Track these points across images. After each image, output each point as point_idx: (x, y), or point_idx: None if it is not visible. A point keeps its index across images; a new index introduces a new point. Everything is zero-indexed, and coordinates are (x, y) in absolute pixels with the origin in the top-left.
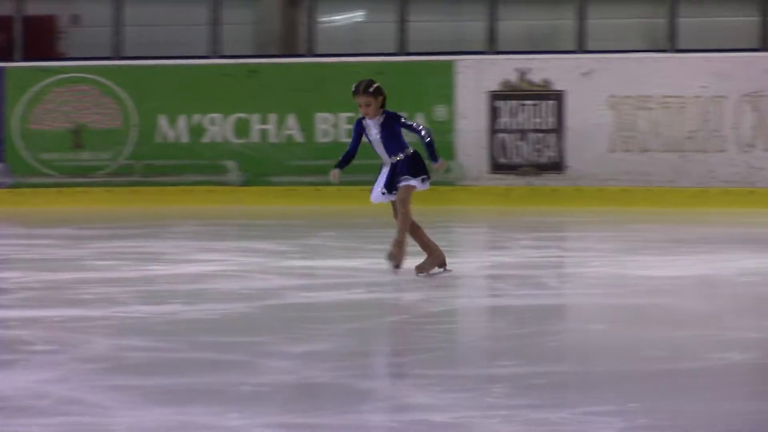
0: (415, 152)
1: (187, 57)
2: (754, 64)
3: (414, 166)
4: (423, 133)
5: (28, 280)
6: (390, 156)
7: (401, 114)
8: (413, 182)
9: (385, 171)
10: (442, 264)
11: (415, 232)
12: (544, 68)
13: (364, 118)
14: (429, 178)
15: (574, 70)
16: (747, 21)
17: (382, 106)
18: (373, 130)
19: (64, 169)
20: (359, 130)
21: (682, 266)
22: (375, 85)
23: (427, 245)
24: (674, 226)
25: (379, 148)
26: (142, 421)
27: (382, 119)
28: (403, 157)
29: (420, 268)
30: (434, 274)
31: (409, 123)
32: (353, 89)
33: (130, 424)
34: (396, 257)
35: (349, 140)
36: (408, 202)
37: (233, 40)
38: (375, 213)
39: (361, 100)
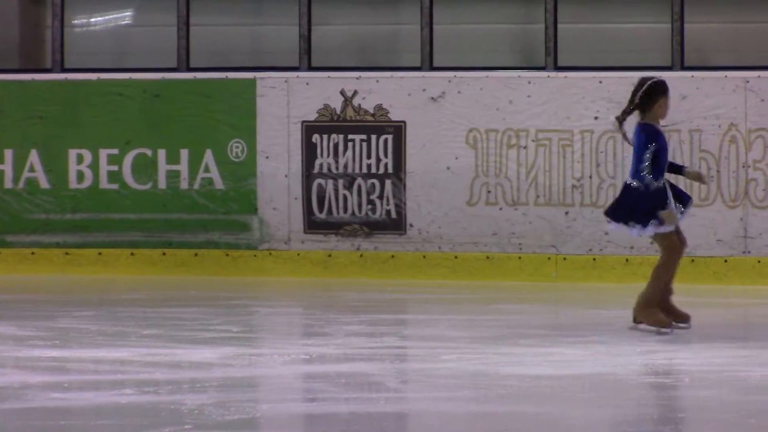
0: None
1: None
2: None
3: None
4: None
5: None
6: None
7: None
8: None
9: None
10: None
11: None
12: (377, 90)
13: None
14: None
15: (419, 94)
16: (654, 28)
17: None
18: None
19: None
20: None
21: (567, 362)
22: None
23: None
24: (551, 306)
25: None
26: None
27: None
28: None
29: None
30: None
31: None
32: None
33: None
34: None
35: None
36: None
37: None
38: (146, 286)
39: None
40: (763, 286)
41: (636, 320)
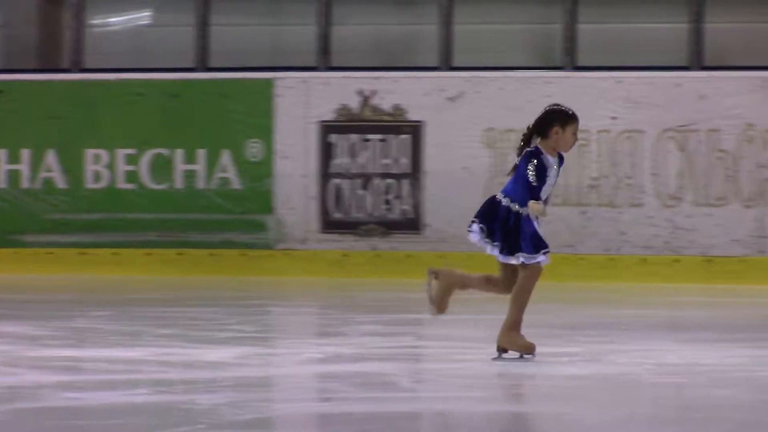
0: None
1: None
2: (683, 88)
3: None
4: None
5: None
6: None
7: None
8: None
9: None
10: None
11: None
12: (395, 90)
13: (542, 153)
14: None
15: (437, 94)
16: (673, 29)
17: None
18: (553, 171)
19: None
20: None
21: (580, 362)
22: None
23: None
24: (572, 306)
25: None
26: None
27: (558, 159)
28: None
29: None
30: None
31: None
32: (571, 113)
33: None
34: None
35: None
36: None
37: None
38: (161, 286)
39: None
40: None
41: (500, 348)
